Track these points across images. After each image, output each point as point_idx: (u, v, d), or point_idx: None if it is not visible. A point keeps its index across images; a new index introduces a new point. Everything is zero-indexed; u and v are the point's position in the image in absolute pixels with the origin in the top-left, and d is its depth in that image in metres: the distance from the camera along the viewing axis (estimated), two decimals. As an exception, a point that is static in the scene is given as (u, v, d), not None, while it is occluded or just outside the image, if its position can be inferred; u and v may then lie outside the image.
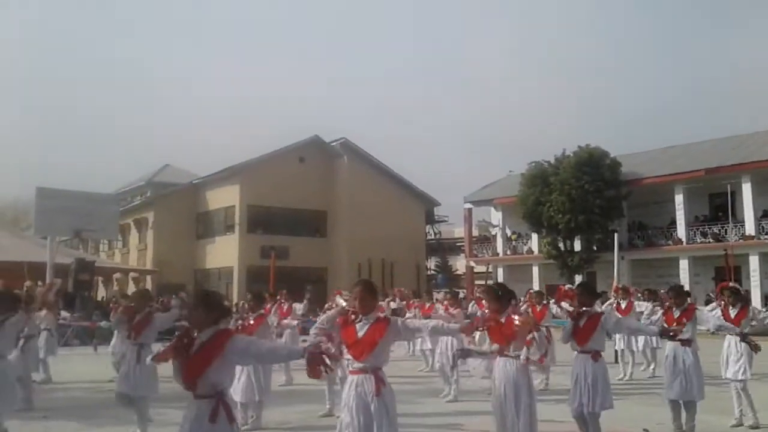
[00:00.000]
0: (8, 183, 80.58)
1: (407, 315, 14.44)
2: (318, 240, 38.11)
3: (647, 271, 31.90)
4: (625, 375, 12.38)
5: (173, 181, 42.88)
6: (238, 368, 4.80)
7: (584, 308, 6.53)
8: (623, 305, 13.09)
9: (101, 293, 37.05)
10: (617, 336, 12.51)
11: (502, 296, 5.93)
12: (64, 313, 20.07)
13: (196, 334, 4.05)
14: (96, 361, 15.17)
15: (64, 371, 12.57)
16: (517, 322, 5.68)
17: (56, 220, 24.92)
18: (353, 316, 4.80)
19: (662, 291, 13.58)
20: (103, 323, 19.76)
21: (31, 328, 10.27)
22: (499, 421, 5.62)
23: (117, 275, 38.20)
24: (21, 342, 9.89)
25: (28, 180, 57.73)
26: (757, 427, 7.86)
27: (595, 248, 31.86)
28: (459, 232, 45.53)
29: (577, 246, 32.54)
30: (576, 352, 6.55)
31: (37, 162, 70.21)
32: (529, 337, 5.74)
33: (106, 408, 9.10)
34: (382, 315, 4.90)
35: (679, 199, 30.59)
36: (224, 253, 36.61)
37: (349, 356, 4.79)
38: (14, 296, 7.54)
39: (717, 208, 30.76)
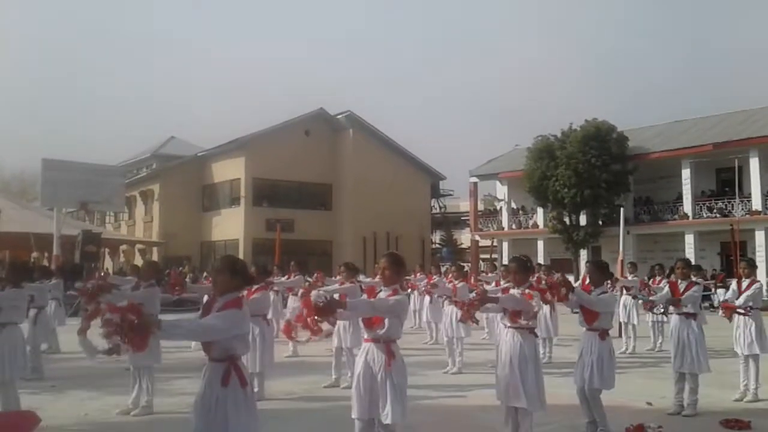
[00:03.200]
0: (14, 155, 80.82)
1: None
2: (323, 213, 38.17)
3: (653, 246, 31.89)
4: (627, 348, 12.44)
5: (178, 153, 42.85)
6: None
7: (596, 287, 6.53)
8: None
9: (108, 265, 37.31)
10: (620, 310, 12.57)
11: (529, 268, 6.01)
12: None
13: (216, 297, 4.11)
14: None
15: (72, 341, 12.66)
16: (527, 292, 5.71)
17: (62, 191, 25.00)
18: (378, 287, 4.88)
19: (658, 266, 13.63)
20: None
21: (42, 299, 10.37)
22: (503, 391, 5.64)
23: (123, 247, 38.42)
24: (33, 312, 10.00)
25: (34, 152, 57.81)
26: (756, 401, 7.93)
27: (600, 223, 31.83)
28: (464, 206, 45.47)
29: (583, 220, 32.52)
30: (584, 329, 6.58)
31: (43, 134, 70.24)
32: (534, 309, 5.76)
33: (114, 378, 9.21)
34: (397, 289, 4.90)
35: (685, 173, 30.45)
36: (230, 225, 36.72)
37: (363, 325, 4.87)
38: (27, 267, 7.67)
39: (724, 183, 30.61)
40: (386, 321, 4.66)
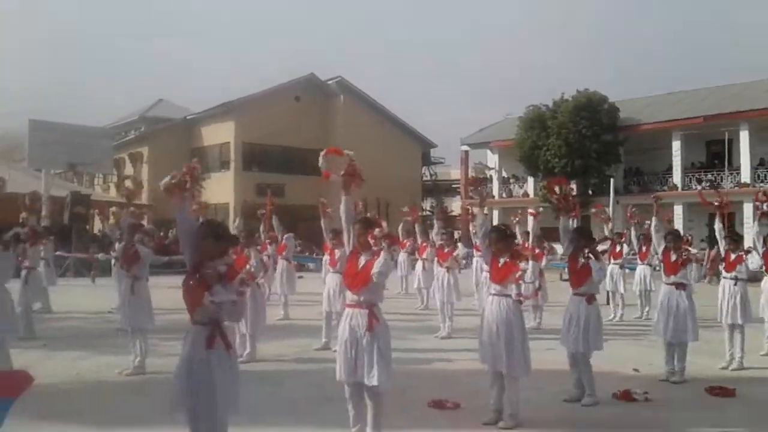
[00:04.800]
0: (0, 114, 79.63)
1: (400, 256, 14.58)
2: (314, 179, 37.94)
3: (642, 216, 32.05)
4: (615, 316, 12.60)
5: (167, 116, 42.36)
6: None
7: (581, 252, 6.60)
8: (617, 249, 13.38)
9: (97, 226, 37.12)
10: (607, 278, 12.69)
11: (509, 236, 6.04)
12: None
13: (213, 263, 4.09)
14: (94, 292, 15.34)
15: (64, 302, 12.70)
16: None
17: (50, 152, 24.78)
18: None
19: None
20: (100, 255, 19.90)
21: (33, 260, 10.35)
22: (487, 357, 5.70)
23: (113, 209, 38.15)
24: (24, 273, 9.99)
25: (21, 112, 57.02)
26: (741, 369, 8.08)
27: (590, 193, 31.95)
28: (455, 173, 45.45)
29: (573, 190, 32.62)
30: (571, 294, 6.66)
31: (30, 93, 69.14)
32: (517, 274, 5.80)
33: (106, 338, 9.26)
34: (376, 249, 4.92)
35: (676, 145, 30.54)
36: (220, 189, 36.51)
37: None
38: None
39: (714, 156, 30.76)
40: (370, 283, 4.69)
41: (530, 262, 5.74)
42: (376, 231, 4.95)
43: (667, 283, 7.68)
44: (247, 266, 8.17)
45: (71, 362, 8.01)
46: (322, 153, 5.28)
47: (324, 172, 5.24)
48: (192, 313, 4.03)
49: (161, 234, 24.14)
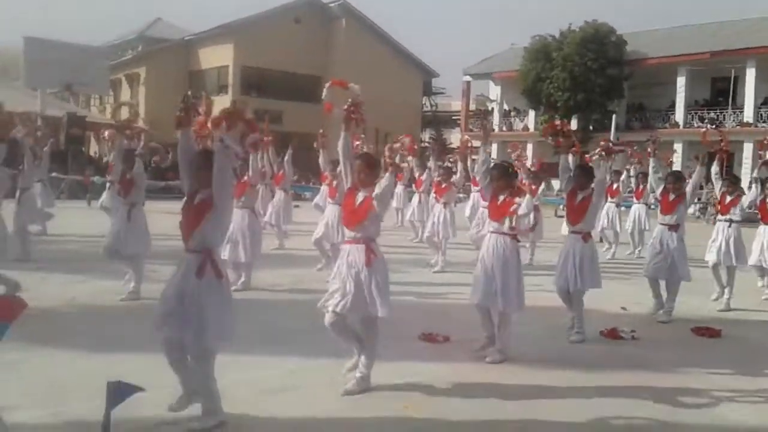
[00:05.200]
0: (-6, 30, 77.82)
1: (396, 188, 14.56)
2: (312, 105, 37.53)
3: (642, 154, 31.97)
4: (607, 254, 12.68)
5: (165, 36, 41.54)
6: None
7: (581, 189, 6.58)
8: (614, 186, 13.37)
9: (93, 148, 36.89)
10: (602, 216, 12.71)
11: (511, 174, 6.00)
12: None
13: (197, 191, 4.08)
14: (90, 215, 15.37)
15: (59, 225, 12.71)
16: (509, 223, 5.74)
17: (46, 71, 24.37)
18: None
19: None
20: (96, 178, 19.87)
21: (25, 180, 10.27)
22: (482, 293, 5.76)
23: (109, 131, 37.85)
24: (17, 193, 9.94)
25: (15, 29, 55.75)
26: (728, 310, 8.21)
27: (591, 128, 31.70)
28: (456, 105, 44.96)
29: (574, 125, 32.34)
30: (567, 232, 6.67)
31: (25, 10, 67.49)
32: (512, 208, 5.80)
33: (100, 261, 9.27)
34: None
35: (681, 81, 30.14)
36: (217, 113, 36.16)
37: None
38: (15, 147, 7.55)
39: (718, 93, 30.39)
40: (366, 219, 4.68)
41: (526, 196, 5.68)
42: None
43: (662, 223, 7.73)
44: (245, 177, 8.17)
45: (66, 286, 8.09)
46: (326, 84, 5.16)
47: (326, 104, 5.14)
48: (187, 240, 4.03)
49: (167, 151, 23.98)
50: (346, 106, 5.08)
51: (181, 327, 3.91)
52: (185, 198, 4.19)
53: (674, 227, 7.64)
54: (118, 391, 2.85)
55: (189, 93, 4.32)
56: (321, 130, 10.54)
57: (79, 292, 7.77)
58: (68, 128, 24.74)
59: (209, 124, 4.02)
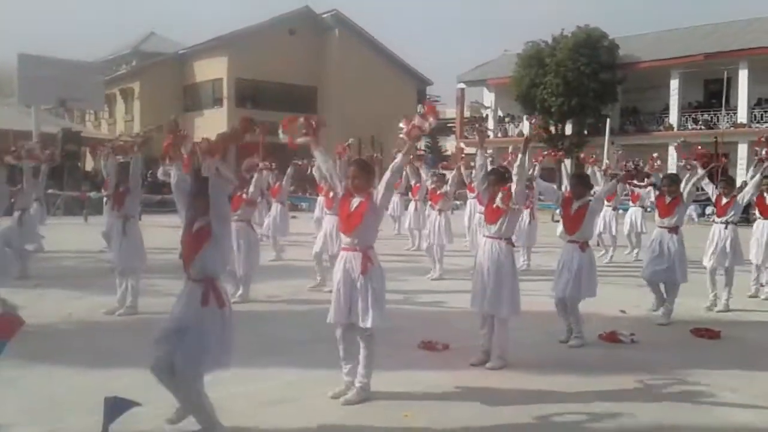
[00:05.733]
0: (-12, 48, 77.95)
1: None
2: (307, 116, 37.61)
3: (637, 157, 31.94)
4: (605, 258, 12.68)
5: (159, 50, 41.62)
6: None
7: (577, 198, 6.59)
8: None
9: (89, 164, 36.87)
10: (599, 220, 12.71)
11: (508, 179, 6.00)
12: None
13: (196, 218, 4.08)
14: (86, 231, 15.34)
15: (56, 241, 12.70)
16: (499, 204, 5.72)
17: (40, 88, 24.34)
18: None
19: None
20: (92, 194, 19.85)
21: (24, 200, 10.26)
22: (479, 299, 5.76)
23: (107, 145, 37.83)
24: (17, 214, 9.93)
25: (10, 46, 55.85)
26: (727, 311, 8.21)
27: (586, 132, 31.81)
28: (450, 112, 45.04)
29: (568, 129, 32.45)
30: (565, 241, 6.68)
31: (18, 27, 67.64)
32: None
33: (97, 277, 9.29)
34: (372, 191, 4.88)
35: (674, 84, 30.26)
36: (212, 126, 36.02)
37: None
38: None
39: (711, 95, 30.52)
40: (361, 224, 4.68)
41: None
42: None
43: (660, 227, 7.74)
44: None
45: (64, 302, 8.06)
46: (279, 129, 5.23)
47: (289, 142, 5.21)
48: (188, 269, 4.02)
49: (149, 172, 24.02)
50: (303, 130, 5.16)
51: (175, 348, 3.89)
52: (184, 225, 4.18)
53: (673, 230, 7.63)
54: (115, 407, 2.83)
55: (174, 118, 4.29)
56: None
57: (75, 308, 7.74)
58: (63, 144, 24.67)
59: (206, 152, 3.99)
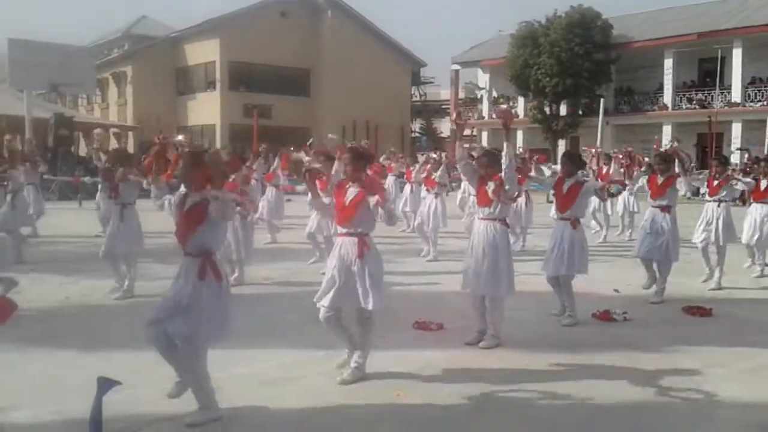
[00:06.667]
0: (-22, 32, 77.25)
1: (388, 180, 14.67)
2: (301, 99, 37.52)
3: (630, 137, 31.99)
4: (598, 237, 12.75)
5: (151, 33, 41.26)
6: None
7: (568, 177, 6.63)
8: (604, 170, 13.35)
9: (83, 149, 36.71)
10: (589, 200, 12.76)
11: (500, 161, 6.01)
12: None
13: (187, 193, 4.13)
14: (81, 216, 15.31)
15: (50, 226, 12.70)
16: (491, 195, 5.73)
17: (32, 73, 24.16)
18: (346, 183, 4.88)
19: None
20: (86, 179, 19.79)
21: (15, 183, 10.24)
22: (472, 280, 5.80)
23: (97, 131, 37.66)
24: (9, 197, 9.92)
25: (0, 31, 55.32)
26: (719, 289, 8.30)
27: (580, 113, 31.80)
28: (445, 94, 44.95)
29: (563, 110, 32.42)
30: (557, 219, 6.72)
31: (8, 12, 66.98)
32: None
33: (92, 262, 9.28)
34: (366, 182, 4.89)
35: (668, 63, 30.22)
36: (206, 110, 36.06)
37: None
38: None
39: (706, 74, 30.49)
40: (356, 215, 4.70)
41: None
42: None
43: (653, 206, 7.79)
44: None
45: (59, 286, 8.08)
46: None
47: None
48: (183, 245, 4.05)
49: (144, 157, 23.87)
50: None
51: (174, 322, 3.93)
52: (177, 202, 4.20)
53: (666, 209, 7.68)
54: (104, 386, 2.88)
55: (160, 138, 4.27)
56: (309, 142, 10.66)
57: (72, 292, 7.78)
58: (56, 129, 24.59)
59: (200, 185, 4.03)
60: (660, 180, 7.77)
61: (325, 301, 4.71)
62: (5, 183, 9.97)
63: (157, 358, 4.44)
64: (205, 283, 3.97)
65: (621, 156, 10.93)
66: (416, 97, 46.13)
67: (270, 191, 12.75)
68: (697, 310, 7.07)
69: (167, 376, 4.35)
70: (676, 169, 7.86)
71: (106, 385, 2.88)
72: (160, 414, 4.14)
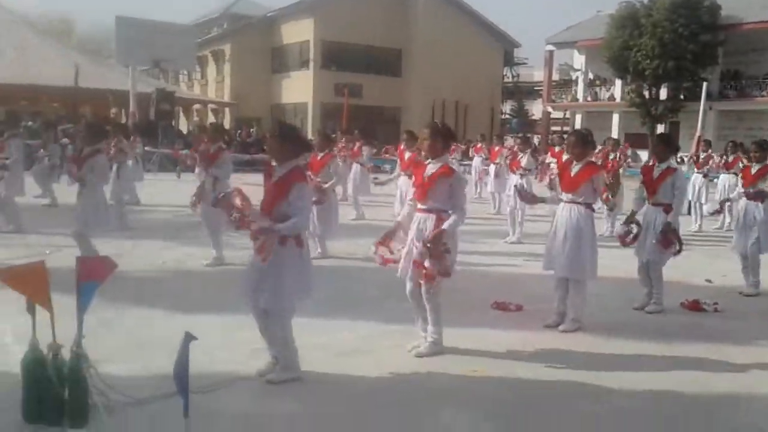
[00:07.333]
0: (87, 11, 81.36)
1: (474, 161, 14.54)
2: (392, 79, 37.62)
3: (736, 124, 30.41)
4: (693, 227, 12.26)
5: (248, 13, 42.40)
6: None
7: (660, 161, 6.39)
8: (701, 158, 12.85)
9: (182, 123, 38.28)
10: (690, 187, 12.24)
11: (589, 142, 5.87)
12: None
13: (275, 164, 4.27)
14: (179, 187, 16.02)
15: (150, 195, 13.39)
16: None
17: (136, 49, 25.39)
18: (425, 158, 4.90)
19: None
20: (185, 152, 20.63)
21: (121, 156, 10.85)
22: (553, 263, 5.72)
23: (197, 106, 39.19)
24: (115, 167, 10.53)
25: (108, 8, 58.12)
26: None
27: (682, 97, 30.38)
28: (538, 75, 43.93)
29: (663, 94, 31.07)
30: (647, 204, 6.49)
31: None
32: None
33: (188, 230, 9.75)
34: (449, 164, 4.89)
35: (781, 46, 28.41)
36: (299, 88, 36.76)
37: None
38: (102, 126, 8.08)
39: (823, 58, 28.50)
40: (434, 192, 4.71)
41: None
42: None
43: (747, 197, 7.39)
44: (326, 168, 8.36)
45: (157, 251, 8.54)
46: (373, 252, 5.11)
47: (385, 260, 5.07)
48: (267, 214, 4.18)
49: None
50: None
51: (262, 295, 4.10)
52: (265, 172, 4.37)
53: (758, 198, 7.27)
54: (187, 341, 3.08)
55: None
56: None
57: (168, 257, 8.20)
58: (158, 104, 25.78)
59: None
60: (754, 169, 7.37)
61: (400, 272, 4.78)
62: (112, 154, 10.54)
63: (239, 323, 4.66)
64: (286, 248, 4.09)
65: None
66: (508, 78, 45.34)
67: (355, 168, 12.94)
68: (794, 306, 6.71)
69: (248, 339, 4.55)
70: None
71: (188, 339, 3.06)
72: (239, 373, 4.33)
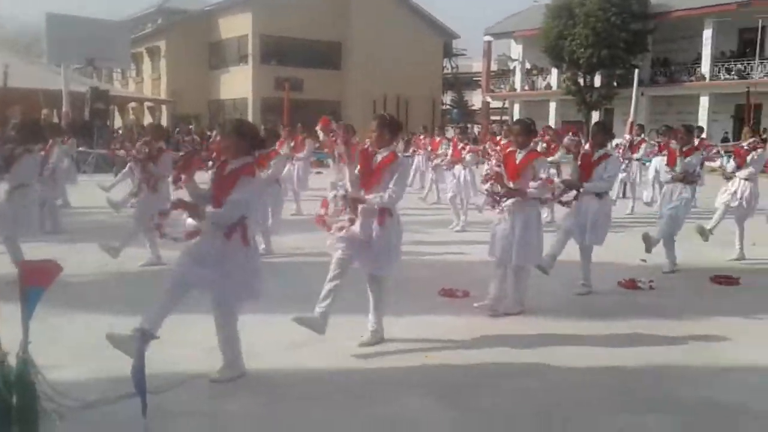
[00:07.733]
0: (16, 8, 78.44)
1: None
2: (332, 72, 37.52)
3: (666, 108, 31.46)
4: (627, 209, 12.68)
5: (184, 7, 41.54)
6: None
7: (599, 148, 6.60)
8: (635, 142, 13.29)
9: (117, 122, 37.30)
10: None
11: (532, 131, 6.01)
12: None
13: (226, 160, 4.26)
14: (116, 188, 15.64)
15: (86, 197, 13.03)
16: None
17: (68, 47, 24.58)
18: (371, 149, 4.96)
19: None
20: (121, 152, 20.14)
21: (53, 156, 10.52)
22: (496, 250, 5.84)
23: (132, 104, 38.26)
24: (49, 170, 10.20)
25: (38, 6, 56.15)
26: (742, 259, 8.23)
27: (615, 84, 31.27)
28: (477, 66, 44.48)
29: (597, 82, 31.91)
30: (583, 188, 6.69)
31: (43, -14, 67.64)
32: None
33: (126, 230, 9.54)
34: (394, 151, 4.96)
35: (707, 33, 29.49)
36: (238, 84, 36.31)
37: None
38: (37, 127, 7.82)
39: (746, 44, 29.69)
40: (381, 182, 4.78)
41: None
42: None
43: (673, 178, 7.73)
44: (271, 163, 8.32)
45: (97, 254, 8.33)
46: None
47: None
48: (217, 207, 4.16)
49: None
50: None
51: (197, 272, 4.08)
52: (216, 169, 4.35)
53: (682, 180, 7.60)
54: (142, 338, 3.08)
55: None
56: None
57: (109, 259, 8.02)
58: (92, 103, 25.06)
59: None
60: (678, 151, 7.71)
61: (341, 248, 4.83)
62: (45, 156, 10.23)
63: (190, 322, 4.64)
64: (231, 243, 4.08)
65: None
66: (448, 69, 45.76)
67: (297, 163, 12.88)
68: (725, 280, 7.06)
69: (199, 338, 4.56)
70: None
71: (144, 336, 3.07)
72: (190, 373, 4.33)
